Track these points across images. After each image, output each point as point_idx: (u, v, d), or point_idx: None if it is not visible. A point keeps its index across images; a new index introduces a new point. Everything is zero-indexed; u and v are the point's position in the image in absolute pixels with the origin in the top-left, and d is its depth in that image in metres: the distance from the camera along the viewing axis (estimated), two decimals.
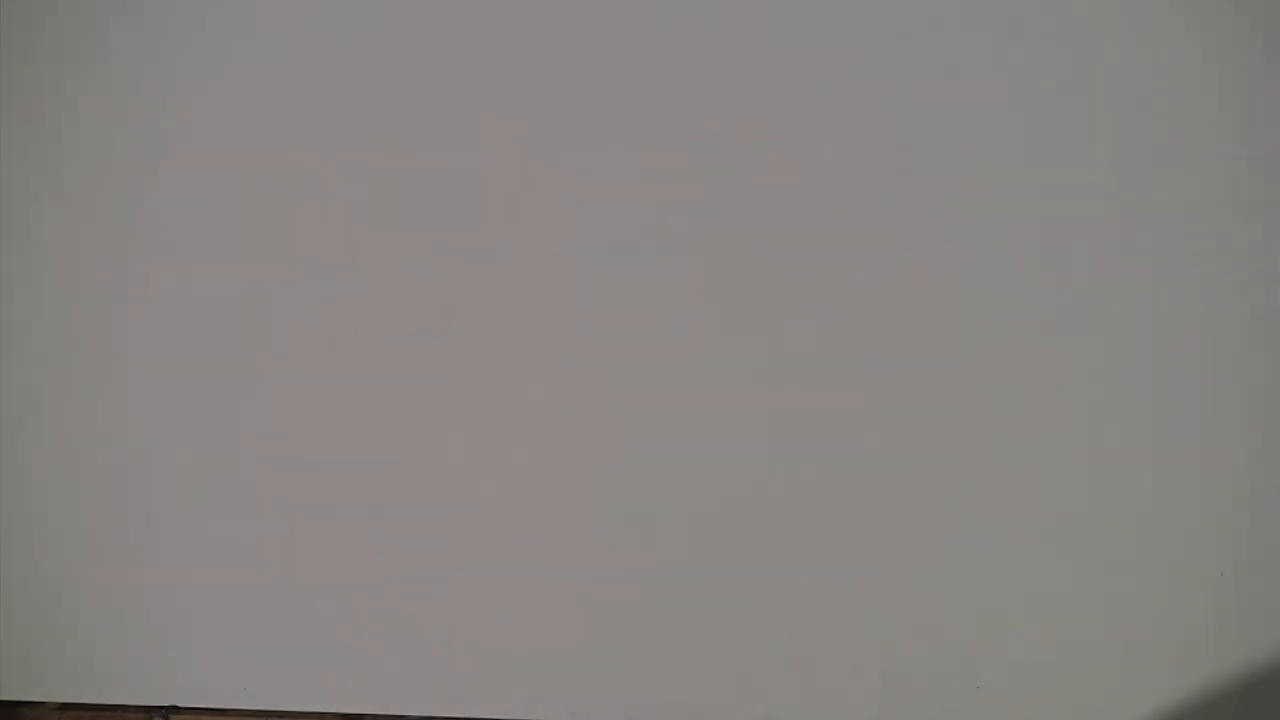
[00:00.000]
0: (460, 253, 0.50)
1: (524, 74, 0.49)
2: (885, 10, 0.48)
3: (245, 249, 0.51)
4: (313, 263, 0.51)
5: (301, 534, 0.50)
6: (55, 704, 0.50)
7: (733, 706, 0.47)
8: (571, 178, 0.49)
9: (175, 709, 0.50)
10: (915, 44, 0.48)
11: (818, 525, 0.48)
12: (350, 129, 0.50)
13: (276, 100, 0.51)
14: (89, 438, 0.51)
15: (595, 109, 0.49)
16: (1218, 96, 0.47)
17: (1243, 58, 0.47)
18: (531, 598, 0.49)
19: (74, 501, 0.51)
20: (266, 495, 0.50)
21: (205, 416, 0.51)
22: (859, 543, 0.48)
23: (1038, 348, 0.48)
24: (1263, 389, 0.48)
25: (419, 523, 0.49)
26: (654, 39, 0.49)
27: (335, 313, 0.50)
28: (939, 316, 0.48)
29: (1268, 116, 0.47)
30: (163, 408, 0.51)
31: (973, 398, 0.48)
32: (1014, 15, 0.48)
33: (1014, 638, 0.46)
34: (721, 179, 0.49)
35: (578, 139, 0.49)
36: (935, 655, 0.46)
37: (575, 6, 0.49)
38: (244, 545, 0.50)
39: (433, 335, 0.50)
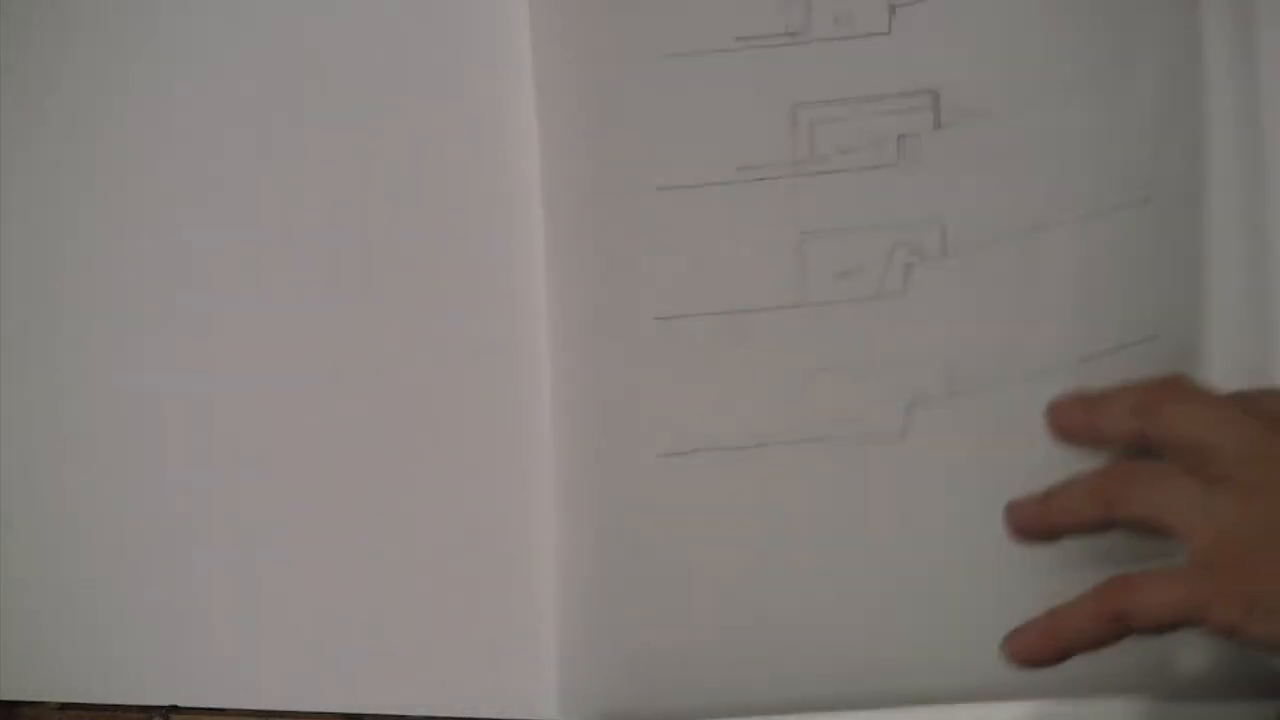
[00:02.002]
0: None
1: None
2: None
3: (249, 248, 0.51)
4: (317, 262, 0.51)
5: (302, 534, 0.50)
6: (55, 704, 0.50)
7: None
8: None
9: (175, 709, 0.50)
10: None
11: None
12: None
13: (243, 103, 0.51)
14: (89, 437, 0.51)
15: None
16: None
17: None
18: (532, 598, 0.49)
19: (74, 501, 0.51)
20: (267, 495, 0.50)
21: (206, 416, 0.51)
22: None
23: None
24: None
25: (420, 522, 0.49)
26: None
27: (334, 316, 0.50)
28: None
29: None
30: (163, 407, 0.51)
31: None
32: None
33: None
34: None
35: None
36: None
37: None
38: (244, 545, 0.50)
39: (433, 336, 0.50)
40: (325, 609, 0.49)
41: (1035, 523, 0.43)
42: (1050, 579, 0.43)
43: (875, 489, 0.47)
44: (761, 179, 0.48)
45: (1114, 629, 0.40)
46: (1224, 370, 0.46)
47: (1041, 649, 0.41)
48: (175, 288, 0.51)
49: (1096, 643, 0.40)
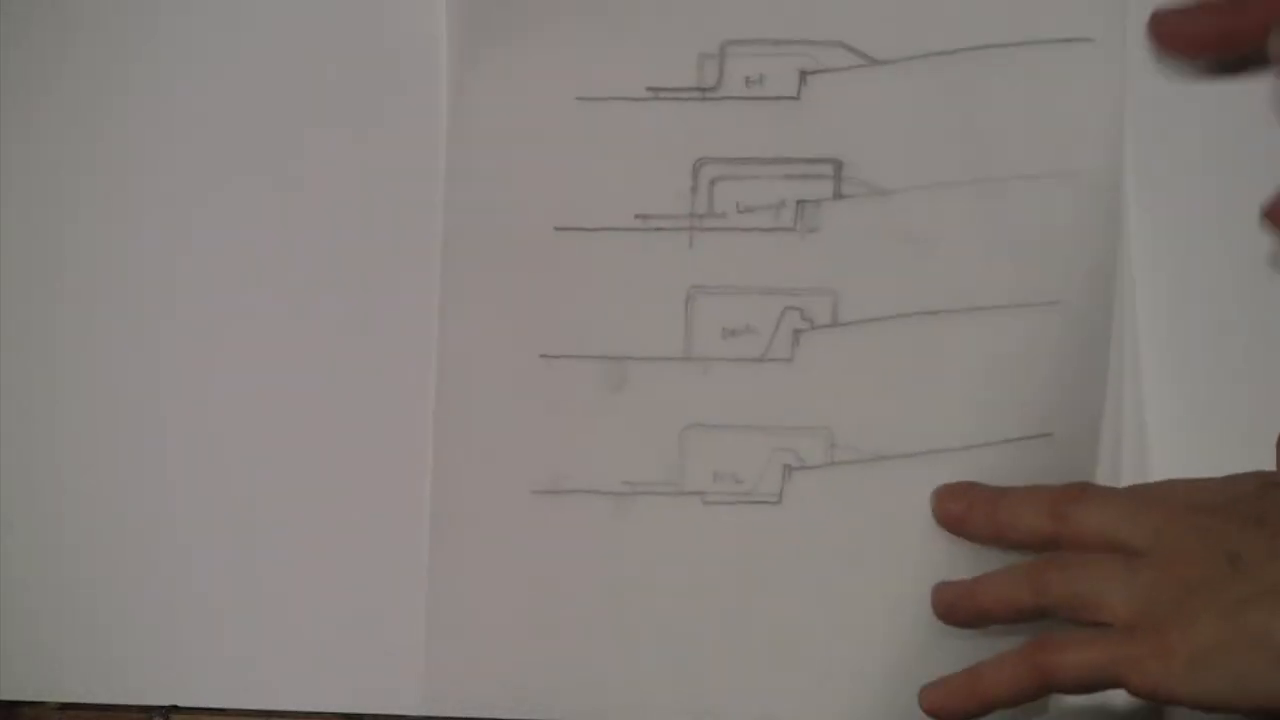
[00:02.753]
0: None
1: None
2: None
3: (249, 247, 0.51)
4: (313, 262, 0.51)
5: (302, 534, 0.50)
6: (55, 704, 0.50)
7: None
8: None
9: (175, 709, 0.50)
10: None
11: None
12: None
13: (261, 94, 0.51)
14: (89, 437, 0.51)
15: None
16: None
17: None
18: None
19: (74, 501, 0.51)
20: (267, 495, 0.50)
21: (206, 416, 0.51)
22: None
23: None
24: None
25: (420, 522, 0.49)
26: None
27: (331, 315, 0.50)
28: None
29: None
30: (163, 407, 0.51)
31: None
32: None
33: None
34: None
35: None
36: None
37: None
38: (244, 545, 0.50)
39: (423, 334, 0.50)
40: (325, 609, 0.49)
41: (965, 606, 0.44)
42: (910, 650, 0.45)
43: (746, 549, 0.47)
44: (658, 229, 0.48)
45: (1036, 685, 0.40)
46: (1113, 472, 0.46)
47: (963, 703, 0.42)
48: (175, 288, 0.51)
49: (1018, 698, 0.41)
